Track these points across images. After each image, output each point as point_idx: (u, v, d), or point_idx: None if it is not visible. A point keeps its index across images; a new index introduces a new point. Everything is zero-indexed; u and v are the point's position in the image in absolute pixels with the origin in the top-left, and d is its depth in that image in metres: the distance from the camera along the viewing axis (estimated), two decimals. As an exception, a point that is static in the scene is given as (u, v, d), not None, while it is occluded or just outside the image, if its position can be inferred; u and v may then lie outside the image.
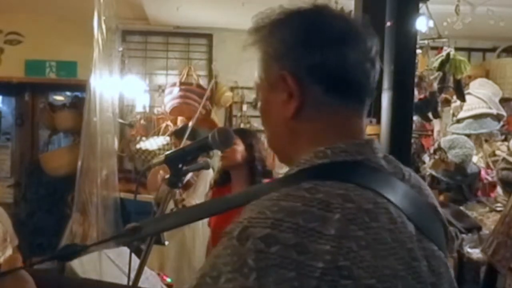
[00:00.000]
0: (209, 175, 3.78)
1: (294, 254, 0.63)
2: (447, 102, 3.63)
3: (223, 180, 2.72)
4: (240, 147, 2.54)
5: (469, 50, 4.94)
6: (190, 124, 3.75)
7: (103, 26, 2.79)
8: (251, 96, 5.11)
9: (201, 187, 3.70)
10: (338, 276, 0.63)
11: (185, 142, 3.76)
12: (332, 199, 0.68)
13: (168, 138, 4.66)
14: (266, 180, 2.56)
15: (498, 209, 3.15)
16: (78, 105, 4.93)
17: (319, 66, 0.78)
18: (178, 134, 3.86)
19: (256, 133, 2.82)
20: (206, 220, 3.88)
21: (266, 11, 0.85)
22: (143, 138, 4.69)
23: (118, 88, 4.04)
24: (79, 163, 2.82)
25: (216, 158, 4.28)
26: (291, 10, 0.83)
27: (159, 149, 4.51)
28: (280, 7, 0.84)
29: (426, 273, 0.73)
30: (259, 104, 0.90)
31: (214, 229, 2.66)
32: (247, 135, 2.64)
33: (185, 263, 3.66)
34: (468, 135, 3.58)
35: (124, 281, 1.73)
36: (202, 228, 3.78)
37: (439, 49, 3.29)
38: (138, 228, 0.88)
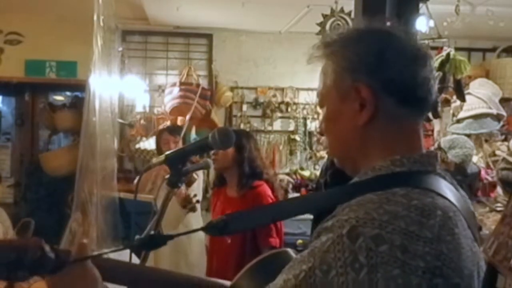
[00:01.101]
0: (200, 173, 3.79)
1: (399, 254, 0.72)
2: (447, 102, 3.63)
3: (220, 181, 2.74)
4: (229, 150, 2.51)
5: (469, 50, 4.94)
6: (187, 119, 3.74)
7: (102, 26, 2.78)
8: (251, 96, 5.12)
9: (195, 183, 3.71)
10: (433, 275, 0.72)
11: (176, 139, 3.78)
12: (425, 206, 0.77)
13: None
14: (257, 182, 2.57)
15: (498, 209, 3.15)
16: (78, 105, 4.93)
17: (393, 80, 0.86)
18: (171, 131, 3.84)
19: (248, 133, 2.81)
20: (200, 218, 3.90)
21: (337, 30, 0.94)
22: (143, 138, 4.69)
23: (118, 88, 4.04)
24: (79, 163, 2.81)
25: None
26: (364, 29, 0.93)
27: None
28: (349, 28, 0.95)
29: (482, 273, 0.82)
30: (323, 112, 0.96)
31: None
32: (236, 136, 2.63)
33: (181, 260, 3.64)
34: (468, 135, 3.58)
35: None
36: (197, 226, 3.79)
37: (439, 49, 3.29)
38: (224, 221, 0.89)
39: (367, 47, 0.88)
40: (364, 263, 0.72)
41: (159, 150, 3.85)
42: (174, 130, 3.85)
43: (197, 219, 3.85)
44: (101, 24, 2.75)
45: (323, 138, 1.01)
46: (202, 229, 0.95)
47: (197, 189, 3.73)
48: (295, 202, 1.01)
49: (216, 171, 2.76)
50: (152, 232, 1.00)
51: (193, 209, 3.47)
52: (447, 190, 0.85)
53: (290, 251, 1.05)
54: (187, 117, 4.65)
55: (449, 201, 0.82)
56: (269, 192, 2.54)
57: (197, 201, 3.46)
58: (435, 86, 0.91)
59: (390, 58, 0.87)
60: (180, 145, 3.75)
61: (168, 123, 4.78)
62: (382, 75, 0.86)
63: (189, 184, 3.60)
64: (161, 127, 4.20)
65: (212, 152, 2.60)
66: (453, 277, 0.74)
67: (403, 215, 0.75)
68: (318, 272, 0.74)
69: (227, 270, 2.42)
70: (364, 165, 0.88)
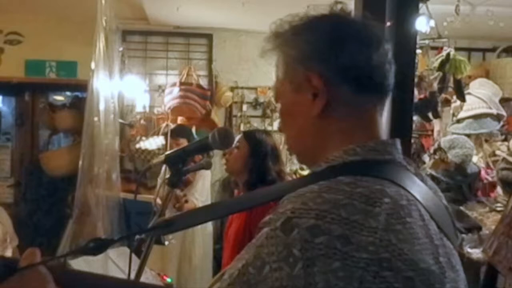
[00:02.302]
0: (207, 173, 3.79)
1: (339, 245, 0.66)
2: (447, 102, 3.63)
3: (236, 183, 2.66)
4: (242, 152, 2.38)
5: (469, 50, 4.94)
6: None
7: (104, 27, 2.79)
8: (251, 96, 5.12)
9: (199, 183, 3.71)
10: (379, 267, 0.66)
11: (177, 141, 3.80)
12: (371, 193, 0.71)
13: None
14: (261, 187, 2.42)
15: (498, 209, 3.15)
16: (78, 105, 4.94)
17: (346, 67, 0.82)
18: (175, 134, 3.87)
19: (268, 135, 2.53)
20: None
21: (285, 18, 0.89)
22: (143, 138, 4.69)
23: (118, 88, 4.04)
24: (80, 163, 2.81)
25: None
26: (314, 16, 0.88)
27: (159, 149, 4.52)
28: (300, 14, 0.89)
29: (448, 269, 0.75)
30: (279, 106, 0.92)
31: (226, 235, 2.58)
32: (254, 138, 2.41)
33: (185, 262, 3.66)
34: (468, 135, 3.58)
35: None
36: (201, 228, 3.79)
37: (439, 49, 3.29)
38: (170, 222, 0.89)
39: (318, 34, 0.84)
40: (298, 256, 0.66)
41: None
42: (175, 132, 3.89)
43: None
44: (104, 24, 2.75)
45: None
46: (146, 231, 0.96)
47: (201, 189, 3.73)
48: (243, 198, 0.98)
49: (226, 172, 2.69)
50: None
51: (180, 209, 3.48)
52: (406, 179, 0.79)
53: None
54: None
55: (405, 189, 0.76)
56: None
57: (186, 201, 3.47)
58: (392, 69, 0.87)
59: (342, 44, 0.83)
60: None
61: (169, 124, 4.79)
62: (334, 62, 0.82)
63: (185, 184, 3.61)
64: (169, 129, 4.25)
65: (225, 152, 2.52)
66: (405, 270, 0.68)
67: (344, 204, 0.69)
68: (251, 269, 0.69)
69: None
70: (321, 158, 0.84)
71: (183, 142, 3.77)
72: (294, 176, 5.05)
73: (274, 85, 0.92)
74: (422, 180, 0.85)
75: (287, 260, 0.66)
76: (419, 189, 0.80)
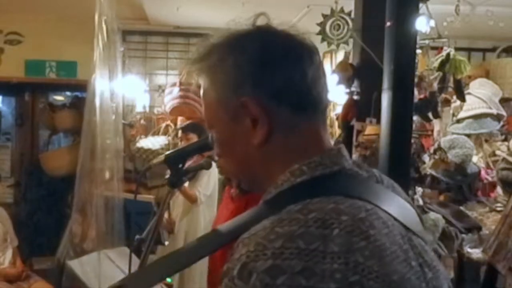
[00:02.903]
0: (212, 169, 3.81)
1: (303, 281, 0.61)
2: (447, 102, 3.62)
3: (228, 178, 2.69)
4: None
5: (469, 50, 4.94)
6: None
7: (104, 27, 2.79)
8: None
9: (204, 177, 3.72)
10: None
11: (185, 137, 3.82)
12: (326, 215, 0.66)
13: (169, 138, 4.67)
14: None
15: (498, 209, 3.15)
16: (78, 105, 4.94)
17: (281, 87, 0.77)
18: (185, 129, 3.89)
19: None
20: (209, 219, 3.91)
21: (208, 37, 0.83)
22: (143, 138, 4.69)
23: (119, 88, 4.04)
24: (79, 163, 2.81)
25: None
26: (238, 34, 0.81)
27: (159, 149, 4.52)
28: (223, 33, 0.82)
29: (424, 270, 0.72)
30: (213, 137, 0.85)
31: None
32: None
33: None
34: (468, 135, 3.57)
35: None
36: (204, 229, 3.80)
37: (439, 49, 3.29)
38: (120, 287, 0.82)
39: (245, 57, 0.77)
40: None
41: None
42: (185, 127, 3.94)
43: (199, 216, 3.87)
44: (103, 25, 2.75)
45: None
46: None
47: (205, 184, 3.74)
48: (191, 248, 0.87)
49: (220, 174, 2.72)
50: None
51: (170, 232, 3.54)
52: (359, 187, 0.75)
53: None
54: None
55: (361, 199, 0.71)
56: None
57: (173, 226, 3.52)
58: (326, 81, 0.82)
59: (273, 64, 0.77)
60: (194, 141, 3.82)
61: (169, 124, 4.79)
62: (268, 85, 0.76)
63: (189, 178, 3.63)
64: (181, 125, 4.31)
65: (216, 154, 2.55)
66: (378, 287, 0.63)
67: (300, 233, 0.63)
68: None
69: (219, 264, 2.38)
70: (270, 183, 0.79)
71: (193, 137, 3.80)
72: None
73: (204, 113, 0.85)
74: (377, 180, 0.81)
75: None
76: (376, 193, 0.75)
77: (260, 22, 0.84)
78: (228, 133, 0.81)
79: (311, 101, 0.79)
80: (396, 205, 0.76)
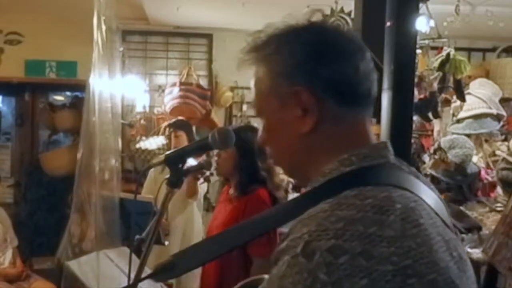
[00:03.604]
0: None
1: (363, 261, 0.64)
2: (447, 102, 3.63)
3: (226, 179, 2.68)
4: (230, 154, 2.38)
5: (469, 50, 4.94)
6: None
7: (103, 27, 2.78)
8: (251, 96, 5.11)
9: None
10: (405, 276, 0.65)
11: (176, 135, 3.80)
12: (381, 202, 0.70)
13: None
14: (254, 186, 2.38)
15: (498, 209, 3.15)
16: (78, 105, 4.93)
17: (333, 80, 0.80)
18: (174, 126, 3.87)
19: (253, 130, 2.53)
20: (200, 218, 3.90)
21: (264, 29, 0.86)
22: (143, 138, 4.69)
23: (119, 88, 4.04)
24: (78, 163, 2.81)
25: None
26: (295, 27, 0.84)
27: (159, 149, 4.52)
28: (279, 26, 0.85)
29: (459, 261, 0.75)
30: (263, 123, 0.89)
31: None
32: (240, 139, 2.29)
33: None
34: (468, 135, 3.57)
35: (124, 281, 1.73)
36: (198, 216, 3.81)
37: (439, 49, 3.29)
38: (171, 264, 0.85)
39: (302, 47, 0.81)
40: (326, 280, 0.64)
41: (168, 146, 3.94)
42: (174, 125, 3.89)
43: (195, 217, 3.87)
44: (102, 24, 2.74)
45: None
46: (150, 276, 0.91)
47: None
48: (246, 227, 0.90)
49: (217, 175, 2.71)
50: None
51: (207, 180, 3.49)
52: (405, 180, 0.79)
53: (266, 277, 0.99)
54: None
55: (408, 190, 0.75)
56: (265, 197, 2.37)
57: (211, 174, 3.46)
58: (375, 77, 0.85)
59: (328, 57, 0.80)
60: (183, 139, 3.78)
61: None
62: (322, 77, 0.80)
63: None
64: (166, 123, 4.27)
65: (214, 155, 2.53)
66: (429, 273, 0.67)
67: (359, 218, 0.68)
68: None
69: (212, 275, 2.38)
70: (314, 172, 0.82)
71: (182, 135, 3.79)
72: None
73: (255, 100, 0.89)
74: (416, 176, 0.84)
75: (314, 286, 0.64)
76: (418, 187, 0.79)
77: (315, 18, 0.88)
78: (277, 120, 0.85)
79: (360, 95, 0.83)
80: (434, 200, 0.80)
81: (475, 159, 3.58)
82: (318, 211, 0.71)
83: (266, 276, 0.94)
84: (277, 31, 0.85)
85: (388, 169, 0.80)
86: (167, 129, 3.95)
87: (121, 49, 4.77)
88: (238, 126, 2.80)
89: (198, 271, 3.59)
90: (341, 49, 0.81)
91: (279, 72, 0.82)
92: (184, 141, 3.77)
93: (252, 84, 0.89)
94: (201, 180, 3.33)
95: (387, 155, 0.82)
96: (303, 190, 0.87)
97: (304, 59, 0.80)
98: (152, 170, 3.91)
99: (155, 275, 0.90)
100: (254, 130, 2.56)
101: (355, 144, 0.81)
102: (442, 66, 3.13)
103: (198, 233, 3.80)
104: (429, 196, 0.79)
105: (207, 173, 3.28)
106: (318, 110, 0.80)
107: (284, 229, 0.82)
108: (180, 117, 4.72)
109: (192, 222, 3.77)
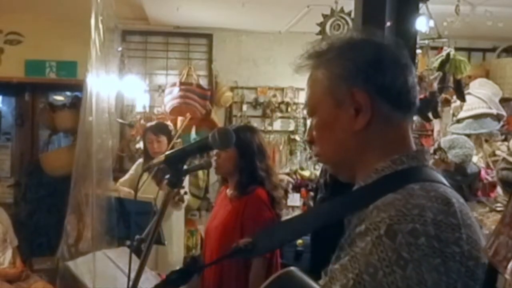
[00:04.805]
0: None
1: (436, 244, 0.76)
2: (447, 102, 3.63)
3: (224, 179, 2.68)
4: (230, 154, 2.38)
5: (469, 50, 4.94)
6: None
7: (101, 26, 2.78)
8: (251, 96, 5.12)
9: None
10: (467, 258, 0.78)
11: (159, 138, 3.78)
12: (442, 195, 0.82)
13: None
14: (253, 186, 2.38)
15: (498, 209, 3.15)
16: (78, 105, 4.91)
17: (388, 86, 0.91)
18: (154, 130, 3.84)
19: (252, 130, 2.56)
20: (182, 217, 3.89)
21: (325, 39, 1.00)
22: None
23: (117, 88, 4.03)
24: (75, 163, 2.80)
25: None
26: (355, 39, 0.96)
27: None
28: (339, 36, 1.01)
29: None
30: (314, 121, 0.98)
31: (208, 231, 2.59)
32: (240, 139, 2.35)
33: (159, 259, 3.62)
34: (468, 135, 3.57)
35: (123, 281, 1.73)
36: (177, 221, 3.80)
37: (439, 49, 3.29)
38: (252, 243, 0.93)
39: (362, 56, 0.92)
40: (408, 258, 0.75)
41: (145, 149, 3.88)
42: (157, 129, 3.85)
43: (178, 217, 3.86)
44: (100, 24, 2.74)
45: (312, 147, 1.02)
46: (230, 255, 0.99)
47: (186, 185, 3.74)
48: (312, 215, 1.04)
49: (216, 174, 2.70)
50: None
51: (181, 200, 3.47)
52: (443, 179, 0.91)
53: (296, 269, 0.97)
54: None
55: (450, 187, 0.88)
56: (263, 197, 2.37)
57: (185, 193, 3.45)
58: (418, 90, 0.97)
59: (385, 66, 0.91)
60: (164, 144, 3.76)
61: (169, 124, 4.78)
62: (377, 82, 0.90)
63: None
64: (146, 126, 4.20)
65: (214, 155, 2.53)
66: (481, 257, 0.79)
67: (429, 206, 0.79)
68: (366, 276, 0.76)
69: (212, 277, 2.37)
70: (361, 169, 0.93)
71: (164, 140, 3.77)
72: (294, 176, 5.04)
73: (310, 100, 0.98)
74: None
75: (398, 263, 0.75)
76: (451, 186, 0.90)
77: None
78: (331, 118, 0.94)
79: (408, 103, 0.94)
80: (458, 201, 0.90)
81: (475, 159, 3.57)
82: (393, 199, 0.81)
83: (293, 268, 0.96)
84: (338, 40, 0.97)
85: (431, 170, 0.92)
86: (147, 132, 3.86)
87: (120, 48, 4.77)
88: (237, 126, 2.79)
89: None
90: (395, 61, 0.93)
91: (339, 75, 0.92)
92: (165, 145, 3.75)
93: (307, 86, 0.99)
94: (176, 199, 3.33)
95: (428, 159, 0.94)
96: (303, 191, 0.91)
97: (363, 66, 0.91)
98: (138, 163, 3.92)
99: (235, 254, 1.01)
100: (253, 130, 2.57)
101: (402, 145, 0.93)
102: (442, 66, 3.12)
103: (174, 240, 3.77)
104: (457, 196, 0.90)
105: (182, 192, 3.29)
106: (371, 110, 0.90)
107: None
108: (179, 122, 4.72)
109: (170, 229, 3.72)
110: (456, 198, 0.84)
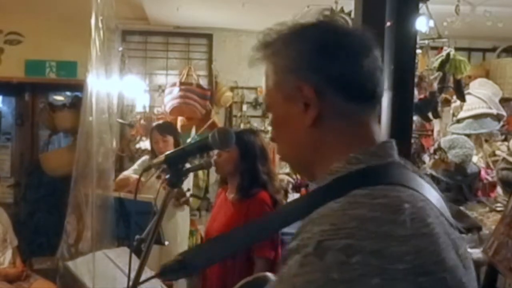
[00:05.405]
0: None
1: (374, 261, 0.64)
2: (447, 102, 3.63)
3: (223, 181, 2.67)
4: (232, 155, 2.39)
5: (469, 50, 4.94)
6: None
7: (101, 26, 2.78)
8: (251, 96, 5.11)
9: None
10: (416, 275, 0.65)
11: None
12: (391, 202, 0.70)
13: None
14: (256, 189, 2.37)
15: (498, 209, 3.15)
16: (78, 105, 4.91)
17: (337, 75, 0.81)
18: (160, 130, 3.84)
19: (255, 134, 2.57)
20: (187, 217, 3.90)
21: (274, 27, 0.88)
22: (143, 138, 4.69)
23: (117, 88, 4.03)
24: (75, 163, 2.80)
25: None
26: (303, 25, 0.86)
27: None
28: (288, 24, 0.87)
29: (466, 260, 0.76)
30: (271, 118, 0.91)
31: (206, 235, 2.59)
32: (243, 141, 2.40)
33: (164, 258, 3.62)
34: (468, 135, 3.58)
35: (123, 281, 1.73)
36: (183, 223, 3.80)
37: (439, 49, 3.29)
38: (182, 261, 0.86)
39: (307, 43, 0.82)
40: (338, 279, 0.64)
41: (152, 149, 3.88)
42: (162, 129, 3.84)
43: (183, 217, 3.85)
44: (100, 24, 2.74)
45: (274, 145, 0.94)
46: (157, 276, 0.93)
47: (186, 184, 3.73)
48: (255, 227, 0.90)
49: (217, 173, 2.70)
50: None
51: (187, 203, 3.46)
52: (411, 179, 0.79)
53: (270, 276, 0.97)
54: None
55: (415, 190, 0.76)
56: (267, 200, 2.37)
57: (191, 195, 3.44)
58: (382, 75, 0.86)
59: (332, 52, 0.81)
60: (170, 144, 3.75)
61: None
62: (325, 71, 0.81)
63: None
64: (153, 125, 4.20)
65: (215, 154, 2.53)
66: (438, 271, 0.67)
67: (371, 217, 0.68)
68: None
69: (215, 278, 2.37)
70: (320, 169, 0.83)
71: (170, 140, 3.77)
72: (294, 176, 5.04)
73: (265, 95, 0.91)
74: (420, 176, 0.84)
75: (327, 286, 0.64)
76: (423, 187, 0.79)
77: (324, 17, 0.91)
78: (282, 114, 0.86)
79: (365, 93, 0.83)
80: (438, 200, 0.81)
81: (475, 159, 3.58)
82: (329, 211, 0.70)
83: (268, 274, 0.94)
84: (285, 28, 0.87)
85: (395, 168, 0.80)
86: (153, 132, 3.86)
87: (120, 49, 4.77)
88: (242, 129, 2.82)
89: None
90: (344, 46, 0.82)
91: (285, 67, 0.84)
92: (171, 145, 3.74)
93: (264, 81, 0.91)
94: (181, 201, 3.34)
95: (394, 154, 0.82)
96: (303, 191, 0.88)
97: (309, 55, 0.82)
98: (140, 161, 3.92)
99: (164, 275, 0.91)
100: (256, 133, 2.58)
101: (362, 142, 0.81)
102: (442, 66, 3.12)
103: (179, 241, 3.77)
104: (433, 196, 0.80)
105: (188, 194, 3.30)
106: (319, 104, 0.81)
107: (289, 229, 0.83)
108: (179, 122, 4.72)
109: (175, 230, 3.72)
110: (412, 203, 0.71)
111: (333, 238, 0.66)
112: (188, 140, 4.31)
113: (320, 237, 0.67)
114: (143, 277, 1.23)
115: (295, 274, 0.67)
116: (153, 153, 3.84)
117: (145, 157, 4.02)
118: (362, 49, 0.83)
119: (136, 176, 3.59)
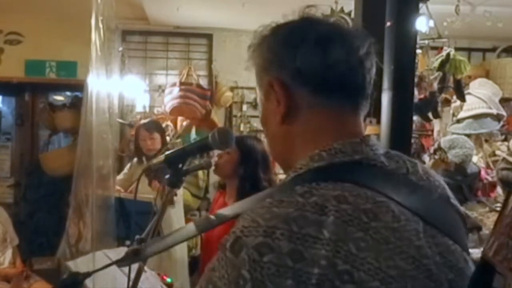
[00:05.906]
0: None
1: (290, 262, 0.62)
2: (447, 102, 3.63)
3: (222, 185, 2.66)
4: (232, 158, 2.38)
5: (469, 50, 4.94)
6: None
7: (101, 26, 2.78)
8: (251, 96, 5.11)
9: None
10: (338, 281, 0.62)
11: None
12: (326, 202, 0.67)
13: (168, 138, 4.66)
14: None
15: (498, 209, 3.15)
16: (78, 105, 4.91)
17: (300, 68, 0.78)
18: (147, 127, 3.84)
19: (258, 141, 2.54)
20: (181, 216, 3.90)
21: (258, 29, 0.88)
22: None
23: (117, 88, 4.03)
24: (76, 163, 2.81)
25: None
26: (279, 23, 0.86)
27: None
28: (268, 24, 0.87)
29: (442, 270, 0.70)
30: (260, 115, 0.92)
31: (206, 237, 2.58)
32: (245, 145, 2.40)
33: (165, 256, 3.62)
34: (468, 135, 3.58)
35: (123, 281, 1.73)
36: (177, 221, 3.80)
37: (439, 49, 3.29)
38: (138, 251, 0.96)
39: (277, 40, 0.82)
40: (247, 277, 0.62)
41: (136, 146, 3.89)
42: (150, 126, 3.86)
43: (177, 215, 3.85)
44: (100, 24, 2.74)
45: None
46: (115, 262, 1.08)
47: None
48: (206, 220, 0.99)
49: (215, 174, 2.69)
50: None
51: (170, 202, 3.45)
52: (377, 177, 0.74)
53: None
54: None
55: (374, 190, 0.70)
56: None
57: (175, 194, 3.44)
58: (366, 64, 0.82)
59: (295, 45, 0.79)
60: (158, 141, 3.77)
61: (169, 123, 4.78)
62: (289, 65, 0.79)
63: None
64: (139, 123, 4.21)
65: (216, 155, 2.52)
66: (369, 280, 0.62)
67: (294, 217, 0.65)
68: None
69: None
70: (293, 164, 0.80)
71: (157, 137, 3.77)
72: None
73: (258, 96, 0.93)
74: (407, 173, 0.78)
75: (237, 283, 0.63)
76: (396, 186, 0.74)
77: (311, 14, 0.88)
78: (264, 112, 0.87)
79: (332, 85, 0.79)
80: (421, 201, 0.75)
81: (475, 159, 3.58)
82: (259, 207, 0.69)
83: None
84: (264, 29, 0.86)
85: (359, 166, 0.75)
86: (139, 130, 3.85)
87: (120, 48, 4.77)
88: (246, 135, 2.82)
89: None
90: (308, 38, 0.79)
91: (260, 66, 0.85)
92: (158, 143, 3.75)
93: None
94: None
95: (365, 150, 0.76)
96: None
97: (277, 52, 0.82)
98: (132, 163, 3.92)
99: (122, 261, 1.03)
100: (260, 140, 2.56)
101: (330, 138, 0.77)
102: (442, 66, 3.13)
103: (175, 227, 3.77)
104: (417, 198, 0.75)
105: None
106: (287, 99, 0.80)
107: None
108: (179, 122, 4.72)
109: (170, 229, 3.71)
110: (355, 203, 0.67)
111: (249, 235, 0.65)
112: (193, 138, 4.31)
113: (240, 233, 0.66)
114: (150, 277, 1.32)
115: (212, 268, 0.67)
116: (138, 153, 3.86)
117: (134, 160, 4.03)
118: (330, 40, 0.79)
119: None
